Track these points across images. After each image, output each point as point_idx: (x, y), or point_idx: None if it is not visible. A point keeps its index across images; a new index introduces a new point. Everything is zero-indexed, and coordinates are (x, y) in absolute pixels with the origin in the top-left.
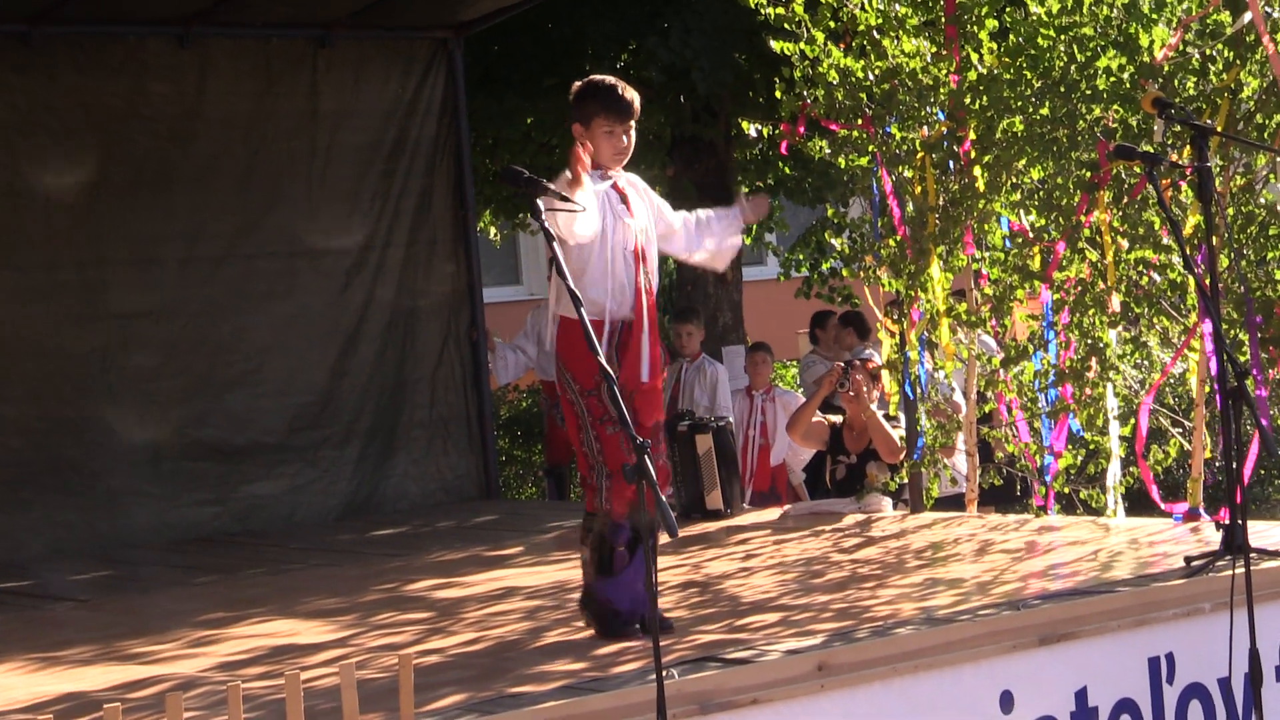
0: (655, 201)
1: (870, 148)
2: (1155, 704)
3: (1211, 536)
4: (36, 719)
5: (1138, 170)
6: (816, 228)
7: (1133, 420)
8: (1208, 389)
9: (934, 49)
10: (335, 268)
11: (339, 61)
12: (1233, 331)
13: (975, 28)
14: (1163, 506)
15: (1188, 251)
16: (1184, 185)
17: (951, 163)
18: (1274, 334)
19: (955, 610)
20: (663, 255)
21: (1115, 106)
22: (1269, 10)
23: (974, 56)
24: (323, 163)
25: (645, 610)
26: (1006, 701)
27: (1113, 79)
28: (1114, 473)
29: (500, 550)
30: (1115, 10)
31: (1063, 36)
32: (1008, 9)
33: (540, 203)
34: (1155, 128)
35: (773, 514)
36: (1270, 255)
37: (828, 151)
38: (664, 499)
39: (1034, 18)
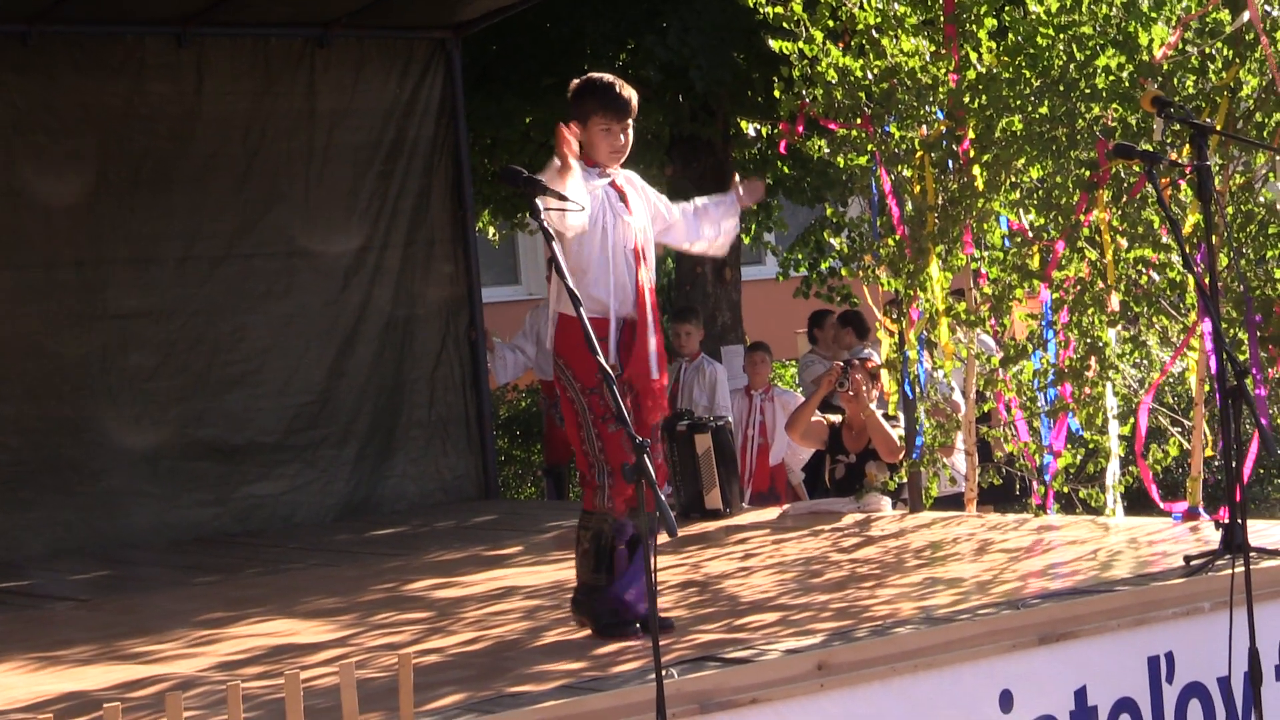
0: (652, 197)
1: (869, 147)
2: (1155, 703)
3: (1211, 536)
4: (37, 718)
5: (1137, 169)
6: (815, 227)
7: (1132, 419)
8: (1207, 388)
9: (933, 48)
10: (334, 267)
11: (337, 61)
12: (1232, 330)
13: (974, 26)
14: (1162, 506)
15: (1187, 250)
16: (1183, 184)
17: (950, 162)
18: (1273, 333)
19: (955, 610)
20: (665, 247)
21: (1114, 105)
22: (1269, 10)
23: (973, 55)
24: (321, 163)
25: (644, 610)
26: (1006, 701)
27: (1112, 78)
28: (1113, 472)
29: (499, 550)
30: (1114, 9)
31: (1062, 35)
32: (1006, 8)
33: (539, 202)
34: (1154, 126)
35: (772, 513)
36: (1269, 254)
37: (826, 151)
38: (663, 498)
39: (1033, 16)
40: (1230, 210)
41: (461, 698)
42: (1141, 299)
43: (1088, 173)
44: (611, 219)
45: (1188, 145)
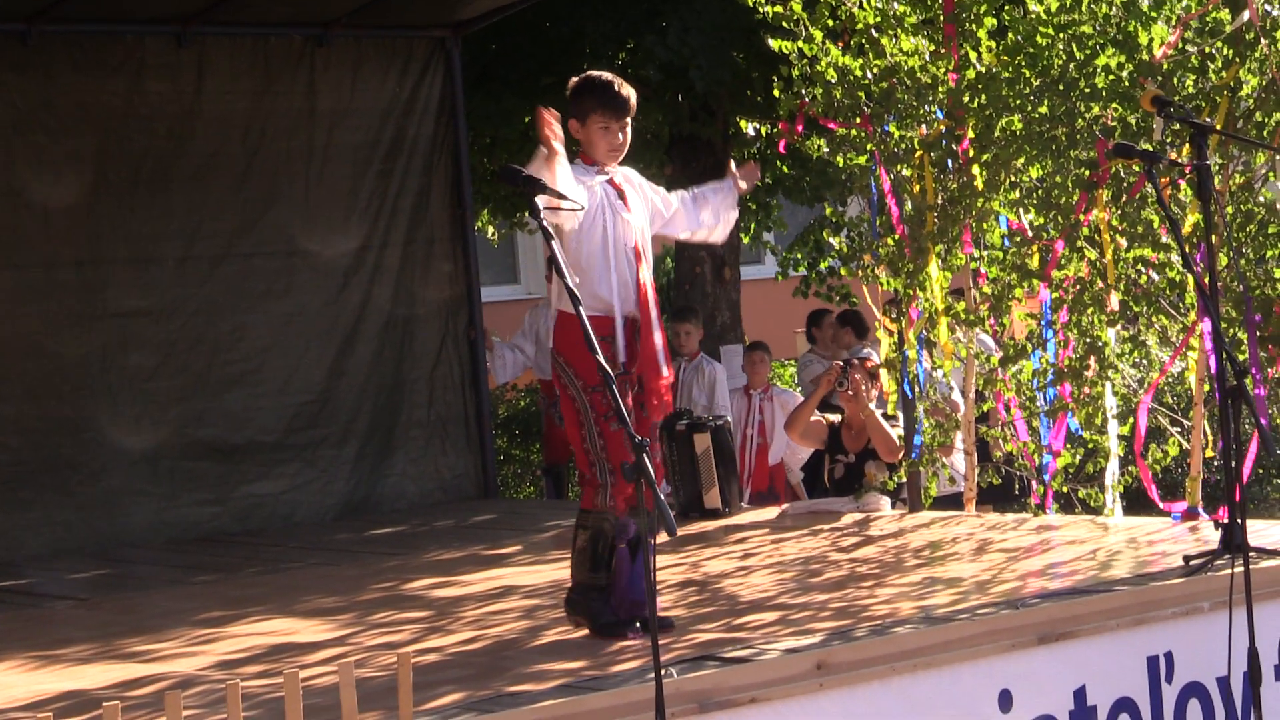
0: (649, 194)
1: (869, 146)
2: (1154, 703)
3: (1210, 535)
4: (37, 717)
5: (1137, 168)
6: (814, 226)
7: (1131, 419)
8: (1207, 388)
9: (932, 47)
10: (333, 267)
11: (337, 60)
12: (1232, 330)
13: (974, 26)
14: (1161, 506)
15: (1187, 250)
16: (1183, 184)
17: (950, 161)
18: (1273, 332)
19: (954, 609)
20: (664, 246)
21: (1114, 105)
22: (1269, 9)
23: (972, 55)
24: (320, 162)
25: (644, 609)
26: (1005, 700)
27: (1111, 77)
28: (1112, 472)
29: (498, 549)
30: (1114, 8)
31: (1061, 35)
32: (1006, 7)
33: (539, 201)
34: (1154, 126)
35: (771, 513)
36: (1269, 254)
37: (826, 150)
38: (662, 498)
39: (1033, 16)
40: (1230, 210)
41: (460, 697)
42: (1141, 299)
43: (1087, 172)
44: (611, 216)
45: (1187, 145)
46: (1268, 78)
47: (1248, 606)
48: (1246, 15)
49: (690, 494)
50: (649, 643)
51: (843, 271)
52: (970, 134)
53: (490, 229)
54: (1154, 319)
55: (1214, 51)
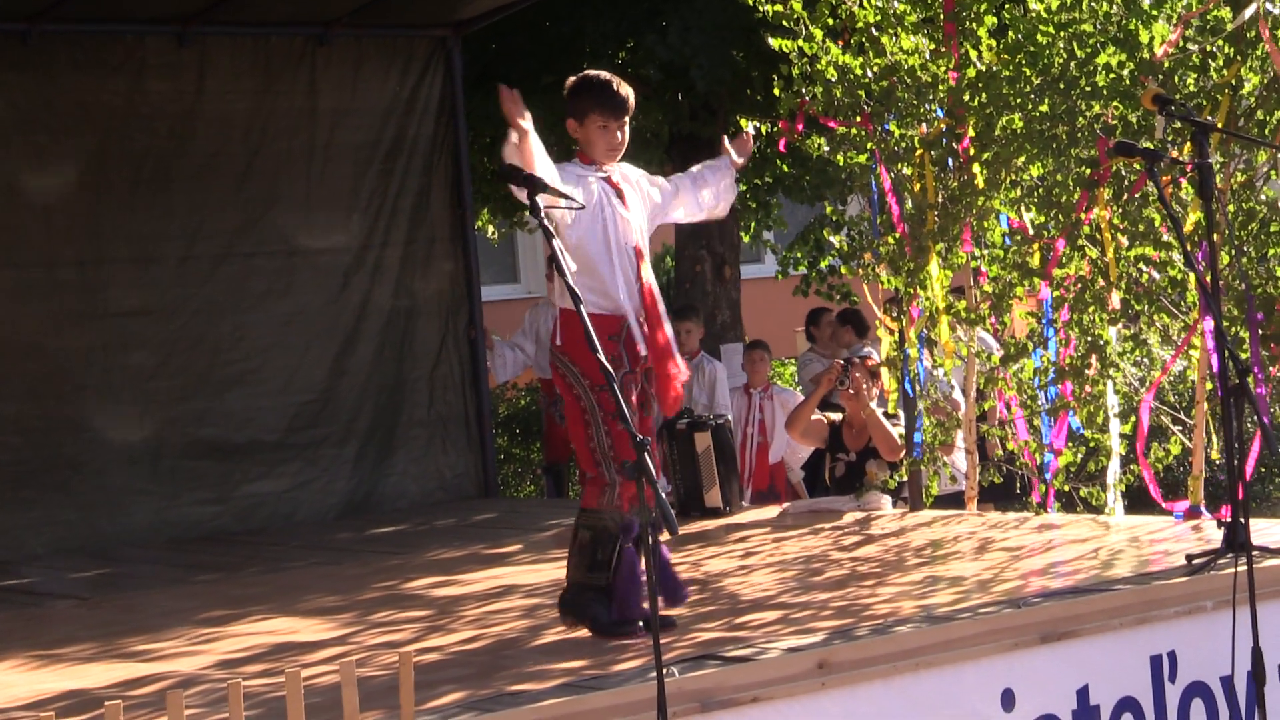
0: (648, 188)
1: (869, 145)
2: (1157, 702)
3: (1213, 534)
4: (38, 716)
5: (1138, 167)
6: (815, 225)
7: (1133, 418)
8: (1209, 386)
9: (933, 46)
10: (334, 266)
11: (337, 60)
12: (1234, 329)
13: (974, 24)
14: (1163, 505)
15: (1188, 248)
16: (1184, 182)
17: (950, 160)
18: (1275, 331)
19: (956, 608)
20: (664, 245)
21: (1115, 103)
22: (1270, 8)
23: (973, 53)
24: (321, 161)
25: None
26: (1008, 700)
27: (1112, 75)
28: (1114, 470)
29: (499, 548)
30: (1115, 6)
31: (1062, 33)
32: (1006, 5)
33: (539, 200)
34: (1155, 124)
35: (772, 512)
36: (1271, 252)
37: (826, 149)
38: (664, 496)
39: (1033, 14)
40: (1232, 208)
41: (462, 696)
42: (1142, 297)
43: (1088, 171)
44: (611, 214)
45: (1189, 143)
46: (1269, 75)
47: (1251, 605)
48: (1248, 13)
49: (691, 493)
50: (650, 641)
51: (843, 270)
52: (971, 132)
53: (490, 228)
54: (1155, 317)
55: (1215, 50)
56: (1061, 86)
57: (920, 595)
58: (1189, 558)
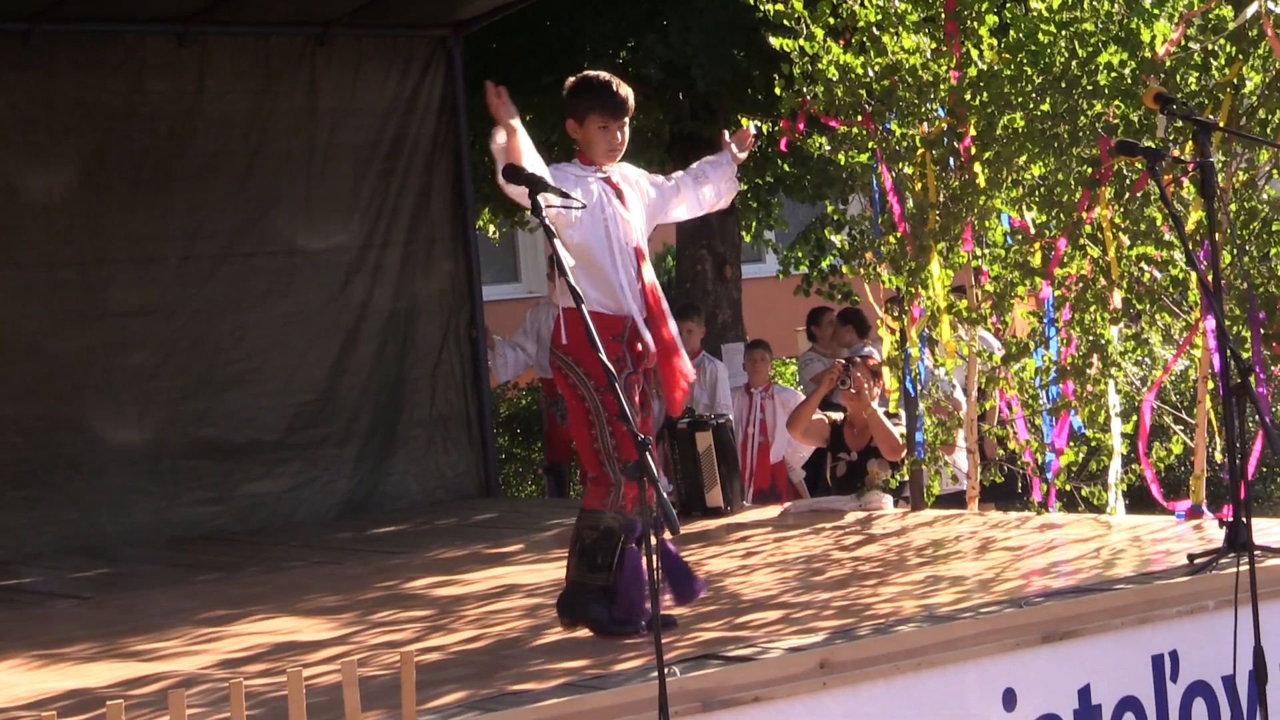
0: (648, 188)
1: (870, 144)
2: (1159, 702)
3: (1215, 534)
4: (40, 716)
5: (1139, 166)
6: (816, 225)
7: (1135, 417)
8: (1210, 386)
9: (934, 45)
10: (334, 266)
11: (338, 60)
12: (1235, 328)
13: (975, 23)
14: (1165, 504)
15: (1190, 247)
16: (1186, 181)
17: (952, 159)
18: (1277, 330)
19: (957, 608)
20: (665, 244)
21: (1116, 102)
22: (1271, 7)
23: (974, 52)
24: (321, 161)
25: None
26: (1009, 699)
27: (1114, 74)
28: (1116, 470)
29: (500, 548)
30: (1116, 5)
31: (1063, 32)
32: (1008, 4)
33: (540, 199)
34: (1157, 123)
35: (773, 511)
36: (1273, 251)
37: (827, 148)
38: (665, 496)
39: (1034, 13)
40: (1233, 207)
41: (463, 695)
42: (1144, 296)
43: (1090, 170)
44: (612, 214)
45: (1190, 142)
46: (1271, 74)
47: (1253, 605)
48: (1249, 12)
49: (692, 492)
50: (652, 641)
51: (844, 269)
52: (972, 131)
53: (491, 227)
54: (1157, 317)
55: (1217, 48)
56: (1063, 85)
57: (922, 595)
58: (1191, 557)
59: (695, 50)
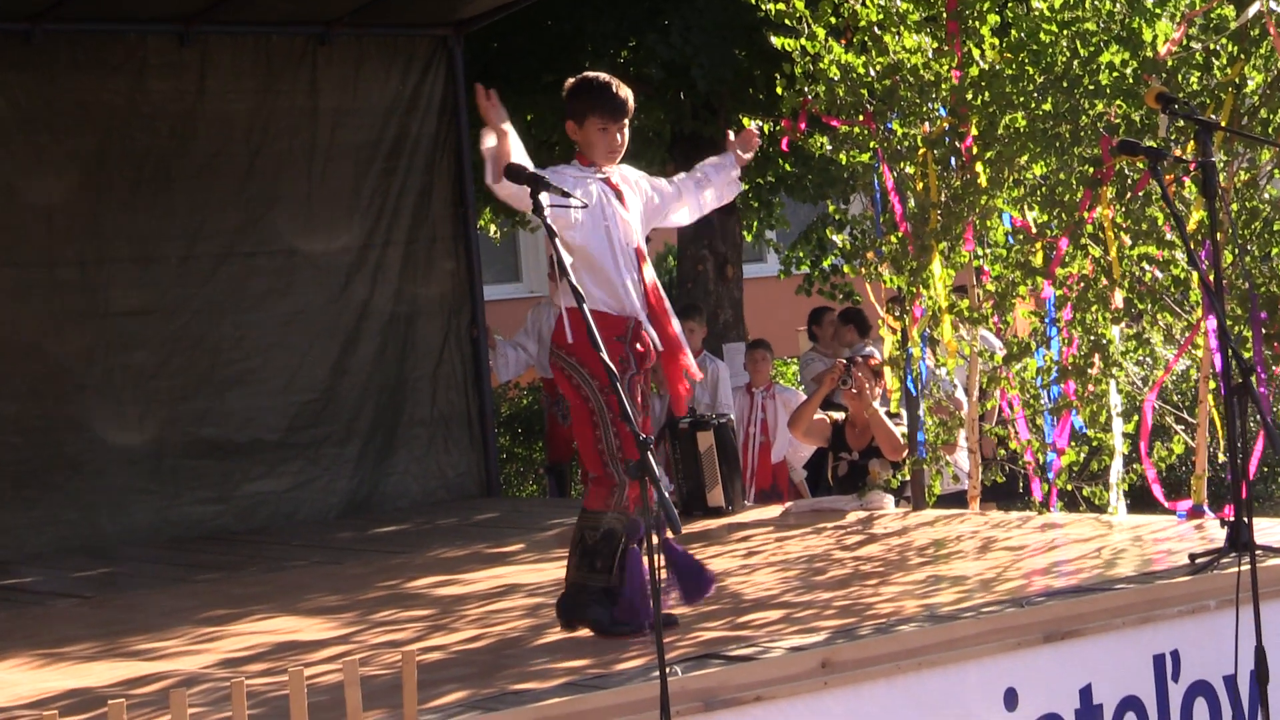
0: (648, 189)
1: (871, 144)
2: (1160, 702)
3: (1216, 533)
4: (41, 715)
5: (1141, 166)
6: (817, 224)
7: (1136, 417)
8: (1212, 385)
9: (935, 44)
10: (335, 266)
11: (339, 59)
12: (1237, 328)
13: (977, 23)
14: (1166, 504)
15: (1191, 247)
16: (1188, 181)
17: (953, 159)
18: (1278, 330)
19: (959, 608)
20: (666, 244)
21: (1118, 102)
22: (1274, 6)
23: (976, 52)
24: (323, 160)
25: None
26: (1011, 699)
27: (1115, 74)
28: (1117, 469)
29: (501, 548)
30: (1118, 5)
31: (1065, 32)
32: (1009, 4)
33: (542, 199)
34: (1159, 123)
35: (774, 511)
36: (1274, 251)
37: (829, 148)
38: (667, 496)
39: (1036, 13)
40: (1235, 207)
41: (464, 695)
42: (1145, 296)
43: (1091, 169)
44: (612, 215)
45: (1192, 141)
46: (1273, 74)
47: (1254, 604)
48: (1251, 11)
49: (693, 492)
50: (653, 641)
51: (846, 269)
52: (974, 131)
53: (492, 227)
54: (1158, 316)
55: (1218, 48)
56: (1064, 85)
57: (923, 594)
58: (1192, 557)
59: (696, 50)
